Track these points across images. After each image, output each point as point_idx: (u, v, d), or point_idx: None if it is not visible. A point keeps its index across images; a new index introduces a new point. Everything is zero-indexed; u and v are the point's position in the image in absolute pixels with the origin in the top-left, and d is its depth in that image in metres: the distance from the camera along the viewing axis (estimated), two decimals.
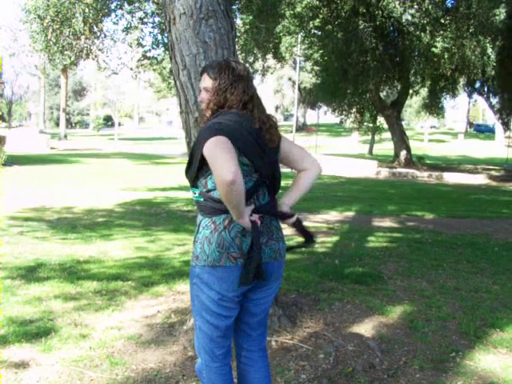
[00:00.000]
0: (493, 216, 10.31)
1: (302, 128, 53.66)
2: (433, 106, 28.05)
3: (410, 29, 18.11)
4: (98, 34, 15.35)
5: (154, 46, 15.75)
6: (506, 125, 28.15)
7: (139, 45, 16.69)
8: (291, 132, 25.19)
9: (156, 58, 17.13)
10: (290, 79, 55.99)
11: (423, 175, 21.38)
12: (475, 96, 37.02)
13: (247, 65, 16.39)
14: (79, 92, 70.18)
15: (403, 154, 24.17)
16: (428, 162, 25.70)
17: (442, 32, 17.98)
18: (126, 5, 14.45)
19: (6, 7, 78.90)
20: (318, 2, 17.68)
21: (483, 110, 73.07)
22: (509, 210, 11.78)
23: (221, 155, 1.95)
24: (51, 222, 7.79)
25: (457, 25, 17.90)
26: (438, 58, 19.01)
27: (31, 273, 4.93)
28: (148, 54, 16.68)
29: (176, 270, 5.21)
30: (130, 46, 17.19)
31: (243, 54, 16.29)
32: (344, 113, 25.62)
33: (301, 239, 2.36)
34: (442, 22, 18.06)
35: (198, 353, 2.27)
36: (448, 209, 11.16)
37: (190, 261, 2.20)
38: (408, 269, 5.60)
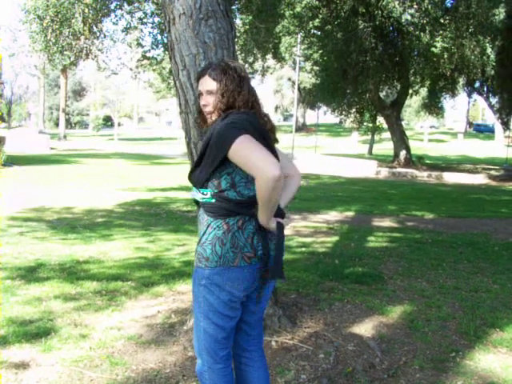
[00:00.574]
0: (492, 216, 10.31)
1: (302, 128, 53.67)
2: (432, 106, 28.09)
3: (409, 29, 18.11)
4: (98, 34, 15.36)
5: (154, 47, 15.77)
6: (505, 124, 28.16)
7: (139, 45, 16.70)
8: (291, 132, 25.17)
9: (155, 58, 17.14)
10: (289, 79, 56.03)
11: (423, 175, 21.38)
12: (475, 96, 37.07)
13: (246, 65, 16.43)
14: (79, 92, 70.19)
15: (403, 153, 24.17)
16: (428, 161, 25.70)
17: (441, 32, 17.99)
18: (125, 5, 14.46)
19: (6, 7, 78.89)
20: (317, 2, 17.69)
21: (483, 109, 73.14)
22: (508, 209, 11.79)
23: (260, 152, 1.93)
24: (51, 222, 7.79)
25: (456, 25, 17.90)
26: (437, 58, 19.02)
27: (31, 273, 4.93)
28: (147, 54, 16.70)
29: (176, 270, 5.21)
30: (130, 46, 17.21)
31: (243, 54, 16.30)
32: (344, 113, 25.62)
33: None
34: (442, 21, 18.07)
35: (198, 355, 2.25)
36: (448, 209, 11.17)
37: (196, 262, 2.15)
38: (408, 269, 5.60)
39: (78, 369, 3.07)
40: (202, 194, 2.13)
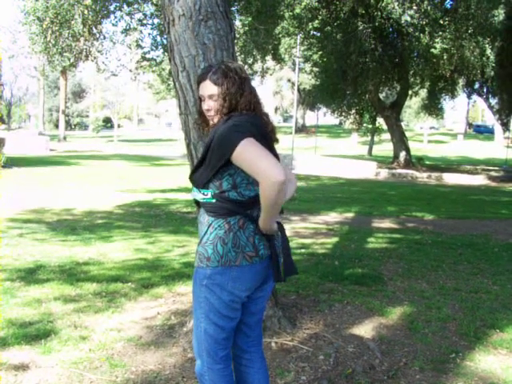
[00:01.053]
0: (492, 217, 10.31)
1: (302, 129, 53.71)
2: (432, 107, 28.10)
3: (409, 30, 18.13)
4: (97, 35, 15.35)
5: (153, 48, 15.77)
6: (505, 125, 28.16)
7: (138, 46, 16.71)
8: (290, 133, 25.15)
9: (155, 60, 17.14)
10: (289, 80, 56.08)
11: (423, 176, 21.40)
12: (474, 97, 36.97)
13: (246, 66, 16.44)
14: (78, 94, 70.19)
15: (403, 154, 24.18)
16: (427, 162, 25.71)
17: (441, 33, 18.01)
18: (125, 6, 14.45)
19: (6, 9, 78.95)
20: (317, 4, 17.71)
21: (482, 110, 73.15)
22: (508, 210, 11.79)
23: (264, 156, 1.93)
24: (51, 223, 7.79)
25: (456, 26, 17.92)
26: (437, 59, 19.04)
27: (31, 275, 4.92)
28: (147, 56, 16.70)
29: (176, 272, 5.21)
30: (129, 48, 17.22)
31: (242, 56, 16.31)
32: (343, 114, 25.63)
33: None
34: (441, 23, 18.08)
35: (198, 356, 2.25)
36: (447, 210, 11.17)
37: (197, 262, 2.15)
38: (408, 270, 5.60)
39: (78, 371, 3.06)
40: (203, 194, 2.13)
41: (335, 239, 7.31)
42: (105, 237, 6.91)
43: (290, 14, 16.53)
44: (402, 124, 29.22)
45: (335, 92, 22.97)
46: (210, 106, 2.16)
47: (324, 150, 34.71)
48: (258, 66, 20.53)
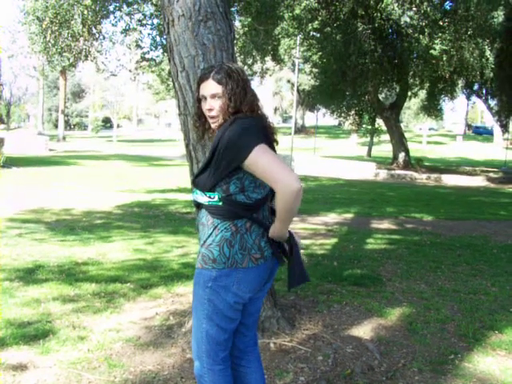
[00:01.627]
0: (491, 218, 10.32)
1: (301, 130, 53.73)
2: (431, 108, 28.08)
3: (408, 31, 18.14)
4: (97, 35, 15.35)
5: (153, 48, 15.75)
6: (504, 127, 28.17)
7: (138, 46, 16.71)
8: (290, 134, 25.17)
9: (155, 60, 17.12)
10: (288, 81, 56.07)
11: (422, 177, 21.41)
12: (474, 98, 37.03)
13: (245, 67, 16.45)
14: (78, 94, 70.14)
15: (402, 156, 24.19)
16: (426, 164, 25.71)
17: (440, 34, 18.02)
18: (124, 7, 14.45)
19: (5, 9, 78.92)
20: (316, 4, 17.71)
21: (482, 112, 73.16)
22: (507, 211, 11.80)
23: (278, 164, 1.95)
24: (50, 223, 7.78)
25: (455, 27, 17.94)
26: (436, 61, 19.03)
27: (29, 275, 4.92)
28: (147, 56, 16.68)
29: (175, 272, 5.20)
30: (129, 48, 17.22)
31: (242, 56, 16.31)
32: (343, 115, 25.64)
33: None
34: (441, 24, 18.10)
35: (197, 357, 2.24)
36: (446, 211, 11.17)
37: (201, 264, 2.13)
38: (407, 271, 5.60)
39: (76, 371, 3.06)
40: (209, 197, 2.11)
41: (334, 240, 7.31)
42: (104, 237, 6.91)
43: (290, 14, 16.53)
44: (402, 125, 29.22)
45: (335, 93, 22.97)
46: (213, 106, 2.14)
47: (323, 151, 34.71)
48: (257, 67, 20.52)
